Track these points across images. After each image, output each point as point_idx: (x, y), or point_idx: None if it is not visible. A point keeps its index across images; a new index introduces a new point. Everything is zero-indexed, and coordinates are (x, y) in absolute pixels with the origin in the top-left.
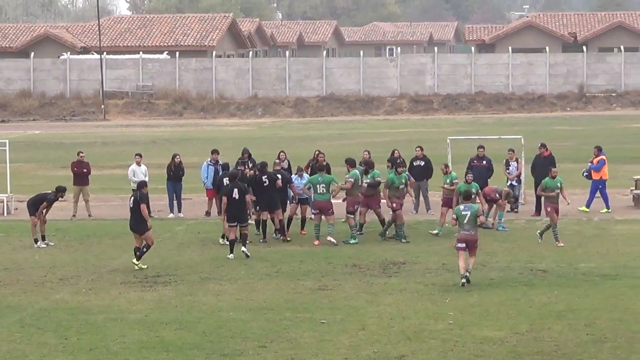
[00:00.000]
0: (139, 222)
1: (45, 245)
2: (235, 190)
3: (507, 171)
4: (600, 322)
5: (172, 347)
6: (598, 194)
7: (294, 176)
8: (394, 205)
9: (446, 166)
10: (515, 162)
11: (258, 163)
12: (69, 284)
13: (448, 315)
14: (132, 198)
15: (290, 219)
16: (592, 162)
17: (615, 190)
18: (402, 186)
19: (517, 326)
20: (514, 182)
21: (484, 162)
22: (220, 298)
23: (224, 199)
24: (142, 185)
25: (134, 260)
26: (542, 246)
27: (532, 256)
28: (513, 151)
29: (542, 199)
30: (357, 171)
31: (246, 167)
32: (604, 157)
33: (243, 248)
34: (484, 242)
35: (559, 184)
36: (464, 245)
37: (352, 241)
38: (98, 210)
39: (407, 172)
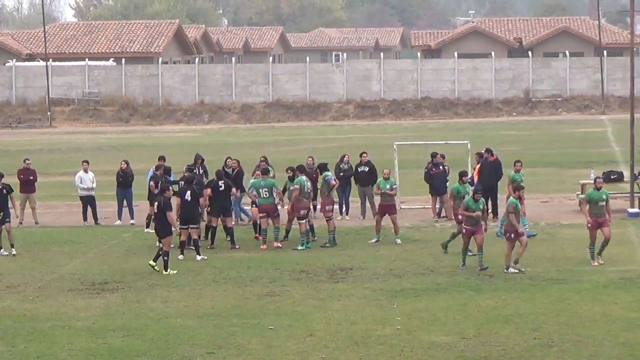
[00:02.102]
0: (161, 227)
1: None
2: (188, 192)
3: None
4: (547, 326)
5: (120, 354)
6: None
7: (252, 179)
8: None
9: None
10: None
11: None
12: (16, 291)
13: (396, 321)
14: (157, 203)
15: (255, 224)
16: (474, 168)
17: (561, 195)
18: (467, 196)
19: (464, 331)
20: None
21: (441, 167)
22: (168, 305)
23: (177, 200)
24: (165, 189)
25: (169, 271)
26: (488, 251)
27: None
28: (443, 157)
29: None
30: (303, 177)
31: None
32: None
33: (198, 257)
34: (432, 248)
35: (604, 197)
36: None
37: (300, 247)
38: (45, 218)
39: (332, 175)
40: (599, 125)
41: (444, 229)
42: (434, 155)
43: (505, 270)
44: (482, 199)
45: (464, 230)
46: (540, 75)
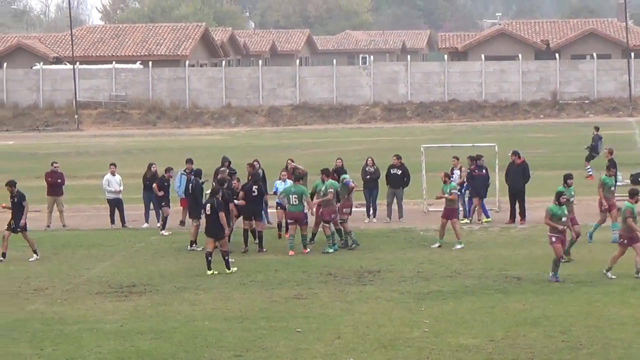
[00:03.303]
0: (217, 228)
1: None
2: (208, 206)
3: (451, 179)
4: (575, 328)
5: (148, 357)
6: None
7: (277, 181)
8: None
9: (446, 175)
10: (458, 170)
11: (251, 173)
12: (44, 294)
13: (423, 323)
14: (209, 204)
15: (280, 225)
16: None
17: (589, 197)
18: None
19: (492, 333)
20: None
21: (483, 170)
22: (196, 307)
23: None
24: (216, 192)
25: (232, 270)
26: (516, 253)
27: (507, 263)
28: (457, 159)
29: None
30: (331, 181)
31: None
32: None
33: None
34: (460, 250)
35: None
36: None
37: (330, 250)
38: (72, 221)
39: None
40: (627, 128)
41: (472, 232)
42: (478, 157)
43: (604, 272)
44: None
45: (553, 239)
46: (567, 78)
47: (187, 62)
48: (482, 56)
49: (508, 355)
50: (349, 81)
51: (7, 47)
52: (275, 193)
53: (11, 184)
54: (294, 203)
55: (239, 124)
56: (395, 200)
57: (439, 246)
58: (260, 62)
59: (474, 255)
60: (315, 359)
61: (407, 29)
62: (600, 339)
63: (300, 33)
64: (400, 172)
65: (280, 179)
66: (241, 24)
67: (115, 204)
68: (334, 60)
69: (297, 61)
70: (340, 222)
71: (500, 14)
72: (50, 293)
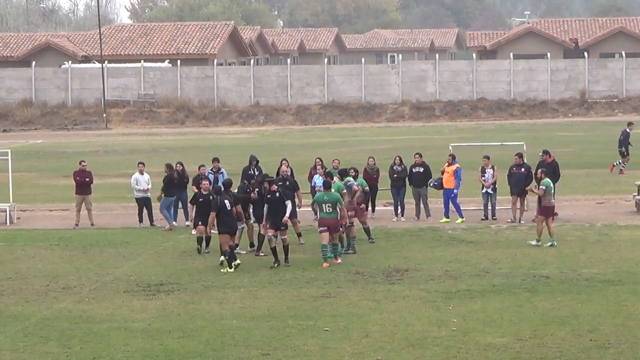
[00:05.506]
0: (234, 222)
1: None
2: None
3: (483, 178)
4: (603, 327)
5: (176, 355)
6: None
7: (316, 176)
8: None
9: (542, 172)
10: (491, 170)
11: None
12: (72, 293)
13: (451, 322)
14: (227, 201)
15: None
16: (443, 171)
17: (617, 196)
18: None
19: (520, 332)
20: (489, 190)
21: (523, 169)
22: (224, 306)
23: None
24: (229, 183)
25: (229, 269)
26: (544, 252)
27: (535, 262)
28: (488, 158)
29: None
30: (338, 182)
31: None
32: (458, 166)
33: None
34: (488, 249)
35: None
36: None
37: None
38: (100, 219)
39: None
40: None
41: (499, 230)
42: (517, 155)
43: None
44: None
45: None
46: (596, 76)
47: (215, 61)
48: (511, 55)
49: (536, 354)
50: (377, 80)
51: (35, 45)
52: (314, 188)
53: None
54: (328, 211)
55: (267, 122)
56: (421, 199)
57: (538, 241)
58: (288, 60)
59: (502, 254)
60: (343, 358)
61: (436, 28)
62: (629, 338)
63: (329, 32)
64: (423, 169)
65: (317, 174)
66: (269, 23)
67: (144, 203)
68: (363, 59)
69: (326, 60)
70: (346, 227)
71: (528, 12)
72: (78, 291)
